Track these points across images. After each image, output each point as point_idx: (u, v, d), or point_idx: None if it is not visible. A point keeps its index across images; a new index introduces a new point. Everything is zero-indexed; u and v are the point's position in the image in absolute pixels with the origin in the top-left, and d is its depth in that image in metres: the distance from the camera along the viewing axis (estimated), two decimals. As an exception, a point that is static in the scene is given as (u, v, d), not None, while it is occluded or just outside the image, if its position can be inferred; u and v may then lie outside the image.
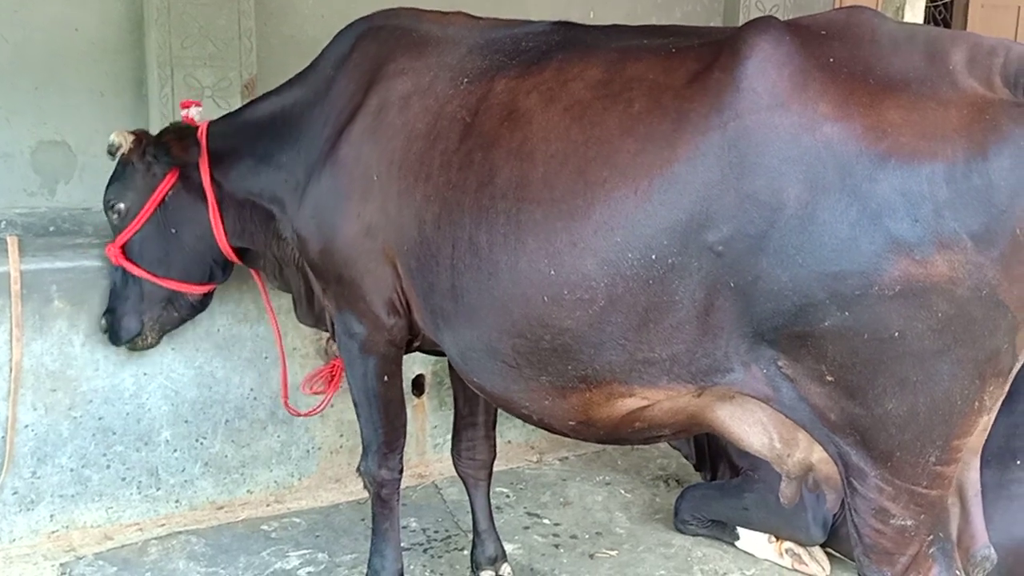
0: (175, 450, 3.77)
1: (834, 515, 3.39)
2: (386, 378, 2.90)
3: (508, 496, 4.07)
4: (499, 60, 2.52)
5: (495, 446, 3.36)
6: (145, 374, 3.66)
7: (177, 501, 3.80)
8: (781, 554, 3.51)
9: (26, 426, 3.48)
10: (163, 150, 3.17)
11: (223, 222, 3.23)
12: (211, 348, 3.79)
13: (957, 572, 2.11)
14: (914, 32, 2.01)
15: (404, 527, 3.54)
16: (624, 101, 2.13)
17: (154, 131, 3.37)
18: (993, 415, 2.02)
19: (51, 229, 4.41)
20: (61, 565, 3.42)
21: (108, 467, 3.65)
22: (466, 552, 3.48)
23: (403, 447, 3.03)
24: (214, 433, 3.84)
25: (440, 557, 3.56)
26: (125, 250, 3.30)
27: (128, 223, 3.26)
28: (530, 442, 4.55)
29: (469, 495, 3.36)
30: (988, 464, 2.23)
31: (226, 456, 3.88)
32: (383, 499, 3.02)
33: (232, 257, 3.34)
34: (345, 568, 3.46)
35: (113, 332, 3.44)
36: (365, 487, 3.06)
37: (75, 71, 4.43)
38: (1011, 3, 7.31)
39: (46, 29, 4.36)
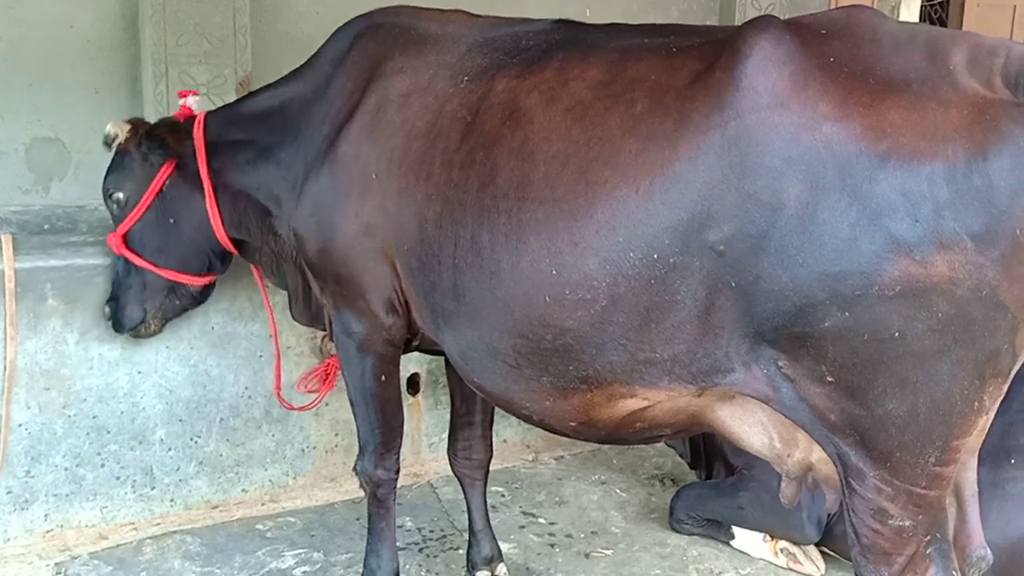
0: (170, 449, 3.75)
1: (829, 514, 3.40)
2: (383, 378, 2.90)
3: (504, 495, 4.06)
4: (499, 58, 2.51)
5: (491, 445, 3.36)
6: (139, 373, 3.65)
7: (172, 500, 3.79)
8: (776, 553, 3.52)
9: (20, 425, 3.47)
10: (156, 142, 3.17)
11: (220, 213, 3.22)
12: (206, 346, 3.77)
13: (954, 572, 2.11)
14: (915, 32, 2.01)
15: (400, 526, 3.53)
16: (626, 102, 2.13)
17: (149, 128, 3.37)
18: (992, 415, 2.02)
19: (45, 227, 4.38)
20: (56, 564, 3.41)
21: (103, 466, 3.63)
22: (462, 552, 3.48)
23: (400, 447, 3.02)
24: (209, 432, 3.83)
25: (436, 557, 3.56)
26: (126, 239, 3.30)
27: (128, 212, 3.26)
28: (526, 441, 4.55)
29: (465, 494, 3.36)
30: (982, 463, 2.22)
31: (221, 455, 3.87)
32: (379, 499, 3.02)
33: (230, 248, 3.32)
34: (341, 568, 3.45)
35: (116, 320, 3.43)
36: (361, 486, 3.06)
37: (70, 68, 4.41)
38: (1007, 2, 7.33)
39: (41, 26, 4.34)
